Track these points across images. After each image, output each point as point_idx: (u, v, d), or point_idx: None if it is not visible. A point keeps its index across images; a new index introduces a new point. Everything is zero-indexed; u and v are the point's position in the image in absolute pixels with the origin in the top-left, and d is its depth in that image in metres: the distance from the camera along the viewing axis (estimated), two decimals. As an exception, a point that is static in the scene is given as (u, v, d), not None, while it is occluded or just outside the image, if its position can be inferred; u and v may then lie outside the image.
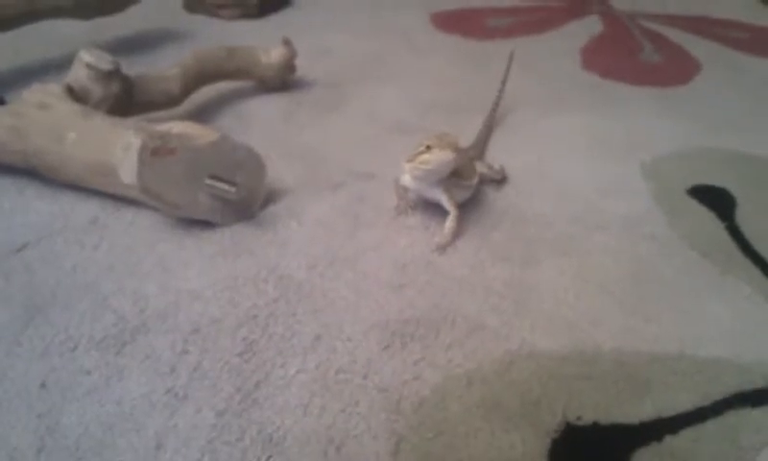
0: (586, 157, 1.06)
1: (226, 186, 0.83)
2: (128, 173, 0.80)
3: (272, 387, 0.65)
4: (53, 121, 0.86)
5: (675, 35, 1.60)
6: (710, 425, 0.63)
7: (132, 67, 1.02)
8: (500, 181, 0.98)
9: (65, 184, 0.89)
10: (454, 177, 0.87)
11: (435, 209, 0.88)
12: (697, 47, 1.53)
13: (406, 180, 0.88)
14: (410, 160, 0.84)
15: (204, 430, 0.61)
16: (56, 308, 0.73)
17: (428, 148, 0.82)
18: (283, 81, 1.20)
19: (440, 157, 0.81)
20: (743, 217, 0.93)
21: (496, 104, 1.14)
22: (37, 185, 0.91)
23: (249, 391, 0.65)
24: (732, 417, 0.64)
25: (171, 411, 0.62)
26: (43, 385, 0.64)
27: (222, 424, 0.61)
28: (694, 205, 0.95)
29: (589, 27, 1.64)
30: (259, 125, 1.11)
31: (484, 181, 0.97)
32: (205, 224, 0.85)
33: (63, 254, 0.81)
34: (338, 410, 0.63)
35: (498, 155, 1.04)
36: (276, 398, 0.64)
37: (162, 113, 1.04)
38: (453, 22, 1.62)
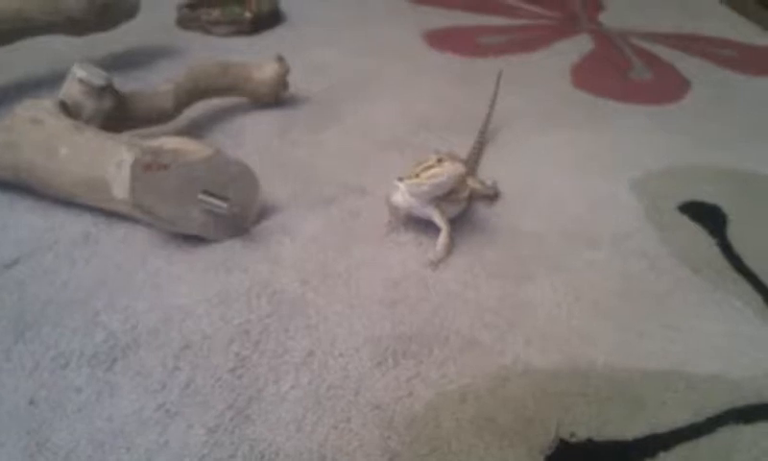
0: (577, 174, 1.07)
1: (219, 202, 0.82)
2: (120, 188, 0.80)
3: (264, 403, 0.65)
4: (45, 136, 0.86)
5: (665, 53, 1.62)
6: (704, 442, 0.63)
7: (126, 83, 1.02)
8: (493, 197, 0.99)
9: (57, 199, 0.89)
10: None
11: (427, 225, 0.88)
12: (687, 65, 1.54)
13: (397, 198, 0.88)
14: (415, 176, 0.84)
15: (195, 448, 0.60)
16: (46, 324, 0.72)
17: (439, 161, 0.82)
18: (277, 97, 1.20)
19: (451, 170, 0.81)
20: (734, 233, 0.93)
21: (487, 121, 1.15)
22: (29, 200, 0.91)
23: (241, 407, 0.64)
24: (725, 433, 0.64)
25: (162, 428, 0.62)
26: (33, 402, 0.64)
27: (213, 442, 0.61)
28: (685, 221, 0.96)
29: (580, 45, 1.65)
30: (252, 140, 1.11)
31: (476, 197, 0.97)
32: (198, 239, 0.85)
33: (54, 270, 0.80)
34: (330, 427, 0.63)
35: (490, 171, 1.04)
36: (268, 414, 0.64)
37: (155, 129, 1.03)
38: (445, 40, 1.63)
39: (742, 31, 1.81)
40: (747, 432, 0.64)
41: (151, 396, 0.65)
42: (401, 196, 0.88)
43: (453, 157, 0.83)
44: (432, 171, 0.83)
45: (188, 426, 0.62)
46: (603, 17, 1.88)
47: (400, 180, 0.87)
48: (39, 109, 0.89)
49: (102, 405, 0.64)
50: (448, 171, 0.82)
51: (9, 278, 0.79)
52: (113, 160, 0.81)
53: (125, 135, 0.91)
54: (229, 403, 0.65)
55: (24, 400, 0.64)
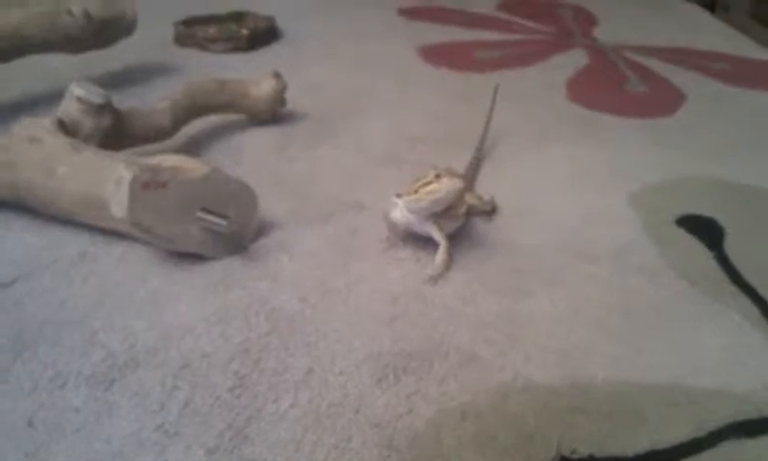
0: (574, 188, 1.07)
1: (218, 220, 0.82)
2: (119, 207, 0.79)
3: (263, 422, 0.64)
4: (43, 155, 0.86)
5: (660, 66, 1.63)
6: (706, 457, 0.63)
7: (123, 101, 1.02)
8: (490, 212, 0.99)
9: (54, 218, 0.89)
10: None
11: (426, 241, 0.88)
12: (681, 78, 1.55)
13: (396, 214, 0.88)
14: (414, 192, 0.84)
15: (195, 468, 0.60)
16: (44, 344, 0.72)
17: (437, 177, 0.82)
18: (274, 113, 1.21)
19: (449, 186, 0.82)
20: (731, 246, 0.93)
21: (484, 136, 1.15)
22: (26, 219, 0.90)
23: (240, 427, 0.64)
24: (727, 448, 0.64)
25: (161, 448, 0.61)
26: (30, 423, 0.63)
27: (213, 462, 0.61)
28: (683, 234, 0.96)
29: (575, 60, 1.67)
30: (250, 158, 1.11)
31: (474, 213, 0.97)
32: (196, 257, 0.85)
33: (52, 289, 0.80)
34: (331, 445, 0.63)
35: (488, 186, 1.04)
36: (267, 433, 0.63)
37: (153, 147, 1.03)
38: (441, 55, 1.64)
39: (735, 44, 1.83)
40: (750, 446, 0.64)
41: (149, 416, 0.65)
42: (400, 212, 0.88)
43: (451, 173, 0.83)
44: (430, 187, 0.83)
45: (187, 447, 0.62)
46: (597, 32, 1.90)
47: (399, 196, 0.87)
48: (37, 127, 0.89)
49: (100, 426, 0.63)
50: (447, 187, 0.82)
51: (6, 297, 0.78)
52: (112, 179, 0.81)
53: (123, 154, 0.91)
54: (229, 423, 0.64)
55: (22, 420, 0.63)
